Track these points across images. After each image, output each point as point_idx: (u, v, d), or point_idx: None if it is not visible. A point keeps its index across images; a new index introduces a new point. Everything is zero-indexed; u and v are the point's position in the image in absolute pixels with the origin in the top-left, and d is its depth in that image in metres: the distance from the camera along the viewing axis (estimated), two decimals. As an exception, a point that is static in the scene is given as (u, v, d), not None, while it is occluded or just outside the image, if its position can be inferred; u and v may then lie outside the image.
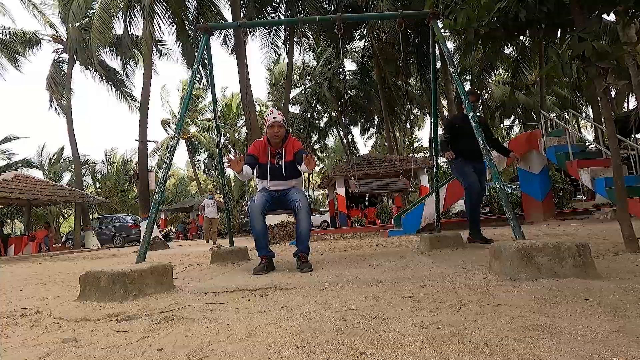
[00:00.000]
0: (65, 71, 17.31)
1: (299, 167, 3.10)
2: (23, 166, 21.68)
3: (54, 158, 26.43)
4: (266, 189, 3.15)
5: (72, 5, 14.36)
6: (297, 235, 2.96)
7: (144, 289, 2.20)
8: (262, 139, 3.19)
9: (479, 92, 4.01)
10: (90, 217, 19.97)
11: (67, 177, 27.25)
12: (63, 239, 20.85)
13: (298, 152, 3.11)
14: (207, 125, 28.97)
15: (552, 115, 10.05)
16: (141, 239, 3.36)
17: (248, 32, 12.30)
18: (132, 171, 24.12)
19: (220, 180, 4.74)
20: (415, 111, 25.26)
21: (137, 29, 13.54)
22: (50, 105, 18.30)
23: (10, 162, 21.34)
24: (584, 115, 21.37)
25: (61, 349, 1.33)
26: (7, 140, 21.26)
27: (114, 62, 18.07)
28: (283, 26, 14.39)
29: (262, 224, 2.91)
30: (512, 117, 24.73)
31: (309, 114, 24.31)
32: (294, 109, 24.49)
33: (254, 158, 3.10)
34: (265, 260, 2.92)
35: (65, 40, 17.14)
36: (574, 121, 20.82)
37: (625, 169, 6.83)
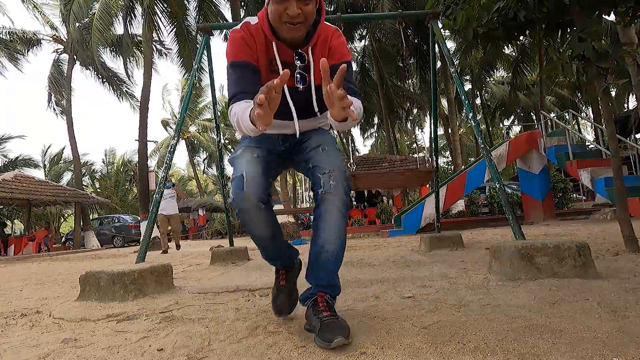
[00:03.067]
0: (65, 71, 17.32)
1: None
2: (22, 166, 21.66)
3: (54, 159, 26.47)
4: (261, 138, 1.41)
5: (73, 6, 14.37)
6: (315, 250, 1.31)
7: (144, 289, 2.20)
8: (254, 21, 1.34)
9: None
10: (90, 217, 19.98)
11: (67, 177, 27.30)
12: (63, 239, 20.85)
13: (335, 66, 1.27)
14: (207, 125, 28.97)
15: (552, 115, 10.06)
16: (141, 239, 3.32)
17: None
18: (132, 171, 24.14)
19: (220, 180, 4.74)
20: (415, 111, 25.27)
21: (138, 29, 13.56)
22: (49, 105, 18.32)
23: (8, 160, 21.29)
24: (584, 115, 21.39)
25: (61, 349, 1.33)
26: (4, 139, 21.24)
27: (114, 62, 18.12)
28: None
29: (266, 221, 1.31)
30: (512, 117, 24.76)
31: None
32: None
33: (255, 72, 1.32)
34: (284, 277, 1.59)
35: (65, 40, 17.16)
36: (574, 121, 20.88)
37: (625, 169, 6.84)
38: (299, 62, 1.35)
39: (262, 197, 1.27)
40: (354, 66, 21.41)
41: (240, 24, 1.33)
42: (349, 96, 1.05)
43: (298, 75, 1.36)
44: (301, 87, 1.35)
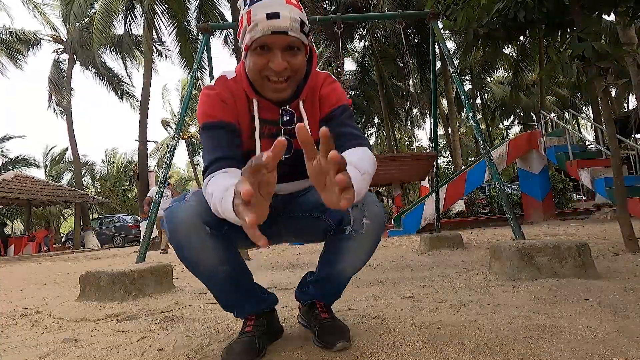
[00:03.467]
0: (66, 71, 17.33)
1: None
2: (22, 165, 21.65)
3: (55, 159, 26.49)
4: None
5: (73, 6, 14.39)
6: (331, 270, 1.14)
7: (144, 289, 2.20)
8: (231, 75, 1.09)
9: None
10: (90, 217, 19.99)
11: (67, 177, 27.31)
12: (63, 239, 20.86)
13: (336, 111, 1.10)
14: (207, 125, 28.95)
15: (552, 115, 10.06)
16: (141, 239, 3.32)
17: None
18: (132, 171, 24.16)
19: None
20: (415, 111, 25.29)
21: (138, 29, 13.57)
22: (49, 105, 18.33)
23: (8, 160, 21.29)
24: (584, 115, 21.40)
25: (61, 349, 1.34)
26: (4, 139, 21.23)
27: (115, 62, 18.15)
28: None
29: (216, 251, 1.01)
30: (512, 117, 24.76)
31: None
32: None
33: (234, 133, 1.06)
34: (252, 323, 1.16)
35: (65, 40, 17.17)
36: (574, 121, 20.86)
37: (625, 169, 6.84)
38: (286, 124, 1.06)
39: (209, 219, 0.95)
40: (354, 66, 21.44)
41: (215, 78, 1.10)
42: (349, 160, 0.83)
43: (289, 135, 1.07)
44: (284, 157, 1.05)
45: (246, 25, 0.93)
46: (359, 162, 0.89)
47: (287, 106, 1.05)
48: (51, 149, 26.31)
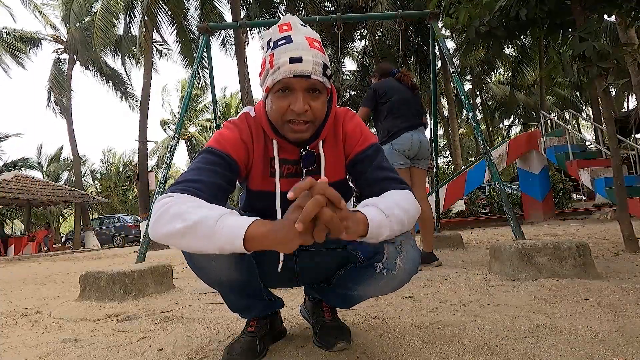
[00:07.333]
0: (66, 71, 17.32)
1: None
2: (21, 166, 21.62)
3: (52, 158, 26.48)
4: None
5: (73, 6, 14.39)
6: (344, 291, 1.11)
7: (144, 289, 2.21)
8: (250, 112, 1.09)
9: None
10: (90, 217, 19.98)
11: (65, 176, 27.30)
12: (63, 239, 20.85)
13: (368, 152, 1.07)
14: (206, 125, 28.97)
15: (552, 115, 10.06)
16: (141, 239, 3.32)
17: (248, 32, 12.32)
18: (132, 171, 24.16)
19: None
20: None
21: (138, 29, 13.56)
22: (48, 105, 18.31)
23: (9, 162, 21.27)
24: (584, 115, 21.39)
25: (61, 349, 1.34)
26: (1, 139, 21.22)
27: (115, 63, 18.10)
28: (283, 26, 14.35)
29: (230, 263, 0.98)
30: (512, 117, 24.75)
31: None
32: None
33: (232, 171, 0.99)
34: (256, 327, 1.18)
35: (65, 40, 17.16)
36: (574, 121, 20.83)
37: (625, 169, 6.84)
38: (306, 165, 1.04)
39: None
40: (354, 66, 21.41)
41: (240, 113, 1.09)
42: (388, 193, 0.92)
43: (309, 174, 1.04)
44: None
45: (268, 68, 0.94)
46: (386, 202, 0.89)
47: (307, 146, 1.03)
48: (41, 147, 26.28)
